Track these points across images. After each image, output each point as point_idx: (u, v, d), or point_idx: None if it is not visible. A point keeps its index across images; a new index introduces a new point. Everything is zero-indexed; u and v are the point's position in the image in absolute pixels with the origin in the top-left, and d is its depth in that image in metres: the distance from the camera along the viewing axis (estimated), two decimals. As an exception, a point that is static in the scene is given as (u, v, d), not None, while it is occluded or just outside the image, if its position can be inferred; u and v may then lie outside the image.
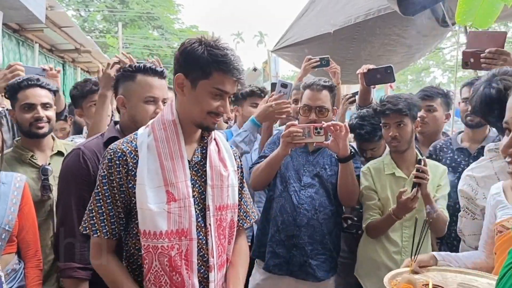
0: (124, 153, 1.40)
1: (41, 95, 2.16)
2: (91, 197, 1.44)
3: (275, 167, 2.21)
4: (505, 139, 1.14)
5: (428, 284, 1.35)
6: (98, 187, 1.42)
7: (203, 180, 1.45)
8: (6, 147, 2.06)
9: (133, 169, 1.39)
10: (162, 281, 1.37)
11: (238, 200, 1.57)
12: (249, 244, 2.42)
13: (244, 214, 1.63)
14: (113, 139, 1.70)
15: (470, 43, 2.26)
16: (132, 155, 1.40)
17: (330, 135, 2.09)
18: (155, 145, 1.40)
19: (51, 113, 2.20)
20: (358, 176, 2.28)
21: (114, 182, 1.40)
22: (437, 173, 2.22)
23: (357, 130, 2.52)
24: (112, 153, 1.41)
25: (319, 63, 2.75)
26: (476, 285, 1.37)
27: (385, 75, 2.59)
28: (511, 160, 1.13)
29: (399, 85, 21.25)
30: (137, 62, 1.89)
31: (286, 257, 2.22)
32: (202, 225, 1.43)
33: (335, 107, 2.36)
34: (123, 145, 1.43)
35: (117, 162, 1.39)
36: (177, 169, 1.39)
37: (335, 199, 2.27)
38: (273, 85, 2.75)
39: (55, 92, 2.27)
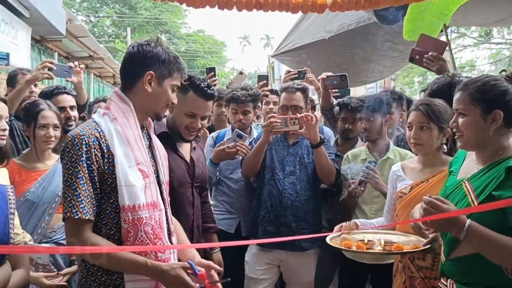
0: (97, 138, 1.49)
1: (68, 100, 2.79)
2: (73, 181, 1.44)
3: (260, 154, 2.64)
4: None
5: (363, 240, 1.80)
6: (80, 171, 1.44)
7: (153, 160, 1.67)
8: (14, 154, 2.50)
9: (106, 151, 1.49)
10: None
11: None
12: (232, 232, 2.84)
13: None
14: (163, 134, 2.10)
15: (419, 44, 2.66)
16: (102, 139, 1.50)
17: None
18: (122, 130, 1.53)
19: (76, 112, 2.81)
20: (333, 160, 2.69)
21: (93, 165, 1.46)
22: (406, 158, 2.66)
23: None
24: (86, 139, 1.47)
25: (297, 75, 3.23)
26: (396, 241, 1.81)
27: (340, 82, 3.05)
28: (459, 135, 1.58)
29: (403, 87, 21.49)
30: (191, 76, 2.08)
31: (275, 233, 2.62)
32: (161, 198, 1.62)
33: (308, 105, 2.84)
34: (91, 131, 1.50)
35: (93, 146, 1.47)
36: (141, 150, 1.57)
37: (314, 182, 2.69)
38: (260, 77, 3.23)
39: (74, 96, 2.90)
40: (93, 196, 1.46)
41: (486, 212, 1.39)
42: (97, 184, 1.48)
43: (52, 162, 2.37)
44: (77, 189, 1.44)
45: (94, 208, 1.47)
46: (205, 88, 2.11)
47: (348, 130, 2.93)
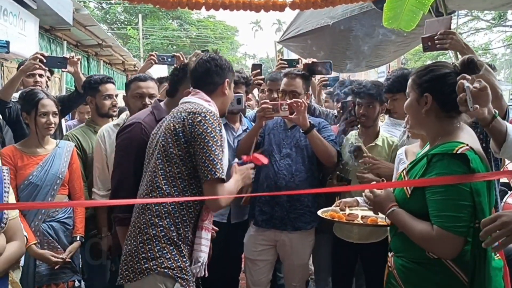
0: (217, 117, 1.91)
1: (114, 89, 2.93)
2: (210, 148, 1.80)
3: (252, 137, 2.71)
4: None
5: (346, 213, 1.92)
6: (216, 139, 1.82)
7: None
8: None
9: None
10: (209, 215, 1.97)
11: None
12: (225, 221, 2.85)
13: None
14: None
15: (427, 30, 2.59)
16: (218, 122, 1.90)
17: None
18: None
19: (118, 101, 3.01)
20: (333, 141, 2.73)
21: (221, 138, 1.88)
22: (393, 147, 2.74)
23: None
24: (215, 116, 1.89)
25: (287, 65, 3.27)
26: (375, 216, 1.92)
27: (324, 68, 3.11)
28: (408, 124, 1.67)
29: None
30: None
31: (270, 213, 2.71)
32: None
33: (309, 92, 2.88)
34: (212, 108, 1.93)
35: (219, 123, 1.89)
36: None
37: (311, 165, 2.76)
38: (254, 66, 3.29)
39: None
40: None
41: (416, 200, 1.55)
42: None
43: (52, 147, 2.52)
44: (215, 153, 1.82)
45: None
46: None
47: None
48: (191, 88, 2.07)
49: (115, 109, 2.90)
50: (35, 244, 2.32)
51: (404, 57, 13.25)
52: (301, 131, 2.68)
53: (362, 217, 1.87)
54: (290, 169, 2.73)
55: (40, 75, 3.16)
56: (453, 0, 4.35)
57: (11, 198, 1.70)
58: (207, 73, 2.01)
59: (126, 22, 25.87)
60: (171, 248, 1.81)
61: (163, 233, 1.80)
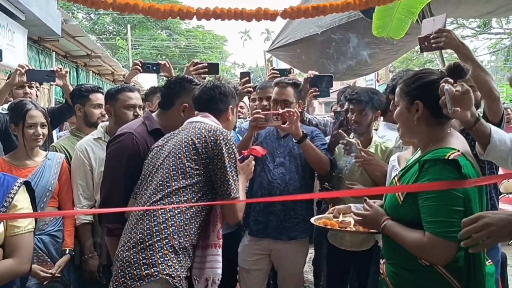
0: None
1: (103, 99, 2.76)
2: (232, 170, 1.93)
3: (245, 147, 2.65)
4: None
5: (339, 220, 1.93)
6: (234, 157, 1.95)
7: None
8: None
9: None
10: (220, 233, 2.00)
11: None
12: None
13: None
14: (156, 130, 2.20)
15: (423, 30, 2.54)
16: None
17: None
18: None
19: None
20: (325, 150, 2.74)
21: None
22: (386, 152, 2.75)
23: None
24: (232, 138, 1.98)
25: (279, 75, 3.24)
26: None
27: (326, 81, 3.15)
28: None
29: (403, 78, 21.44)
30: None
31: (265, 223, 2.69)
32: None
33: (300, 101, 2.87)
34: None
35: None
36: None
37: (304, 173, 2.76)
38: (242, 74, 3.26)
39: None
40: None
41: (408, 206, 1.55)
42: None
43: (41, 159, 2.48)
44: (233, 174, 1.95)
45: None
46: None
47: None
48: (196, 111, 2.15)
49: (103, 119, 2.85)
50: None
51: (392, 65, 13.39)
52: (294, 140, 2.68)
53: (355, 225, 1.88)
54: (284, 178, 2.73)
55: (30, 86, 3.13)
56: (439, 8, 4.42)
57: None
58: (211, 100, 2.11)
59: (115, 33, 25.86)
60: (173, 256, 1.79)
61: (166, 240, 1.79)
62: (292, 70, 3.39)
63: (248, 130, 2.69)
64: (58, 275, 2.37)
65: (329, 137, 2.99)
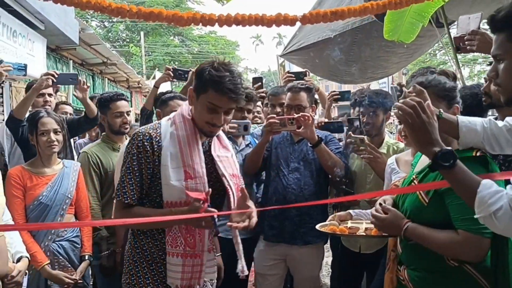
0: (151, 137, 1.74)
1: (125, 105, 2.92)
2: (123, 171, 1.75)
3: (260, 152, 2.72)
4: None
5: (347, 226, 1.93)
6: (129, 162, 1.73)
7: (211, 164, 1.84)
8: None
9: (158, 151, 1.73)
10: (178, 242, 1.74)
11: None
12: (231, 237, 2.81)
13: None
14: None
15: (458, 29, 2.41)
16: (157, 139, 1.74)
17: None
18: (176, 133, 1.75)
19: (131, 118, 3.00)
20: (340, 153, 2.74)
21: (143, 159, 1.73)
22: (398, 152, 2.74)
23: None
24: (141, 136, 1.74)
25: (295, 77, 3.29)
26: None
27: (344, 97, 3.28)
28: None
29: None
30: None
31: (280, 228, 2.69)
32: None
33: (313, 105, 2.88)
34: (150, 130, 1.76)
35: (146, 143, 1.73)
36: (193, 154, 1.75)
37: (319, 178, 2.76)
38: (254, 80, 3.29)
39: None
40: (138, 184, 1.73)
41: (434, 207, 1.53)
42: (144, 176, 1.73)
43: (59, 167, 2.52)
44: (123, 177, 1.74)
45: (138, 195, 1.74)
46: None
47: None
48: None
49: (126, 126, 2.90)
50: (47, 264, 2.33)
51: (405, 68, 13.29)
52: (309, 145, 2.68)
53: (366, 229, 1.87)
54: (299, 183, 2.72)
55: (50, 94, 3.20)
56: (452, 10, 4.38)
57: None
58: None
59: (128, 40, 26.12)
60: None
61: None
62: (307, 73, 3.39)
63: (263, 135, 2.70)
64: (80, 281, 2.42)
65: (343, 141, 3.00)
